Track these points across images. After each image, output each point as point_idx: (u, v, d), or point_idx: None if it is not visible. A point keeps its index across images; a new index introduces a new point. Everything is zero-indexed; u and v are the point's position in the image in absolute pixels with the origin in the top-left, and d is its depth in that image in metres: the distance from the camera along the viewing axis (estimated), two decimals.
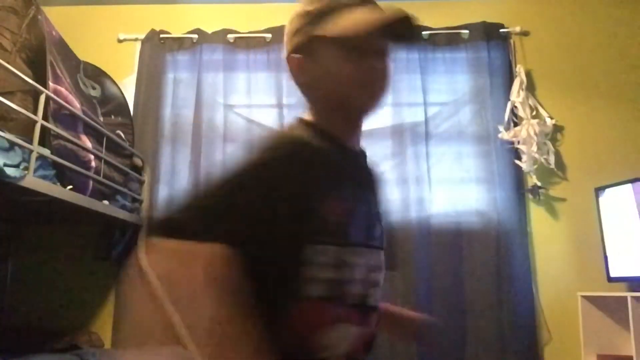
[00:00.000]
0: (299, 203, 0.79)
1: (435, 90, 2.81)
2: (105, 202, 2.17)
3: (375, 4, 0.91)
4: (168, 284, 0.72)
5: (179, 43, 2.96)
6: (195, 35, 2.94)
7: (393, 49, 0.92)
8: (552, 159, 2.63)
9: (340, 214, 0.82)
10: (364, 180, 0.94)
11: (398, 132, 2.73)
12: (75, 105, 2.01)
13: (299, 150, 0.85)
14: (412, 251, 2.55)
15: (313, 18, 0.88)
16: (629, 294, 2.10)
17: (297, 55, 0.91)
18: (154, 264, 0.73)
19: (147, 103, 2.85)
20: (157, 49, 2.94)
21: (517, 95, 2.69)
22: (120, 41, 3.01)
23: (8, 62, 1.69)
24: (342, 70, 0.86)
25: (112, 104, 2.54)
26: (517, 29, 2.86)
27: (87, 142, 2.06)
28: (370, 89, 0.88)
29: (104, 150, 2.18)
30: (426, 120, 2.75)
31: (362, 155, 0.98)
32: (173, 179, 2.76)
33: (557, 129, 2.72)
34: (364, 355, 0.86)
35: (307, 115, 0.95)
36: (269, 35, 2.91)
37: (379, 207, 0.94)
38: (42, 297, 2.67)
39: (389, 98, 2.78)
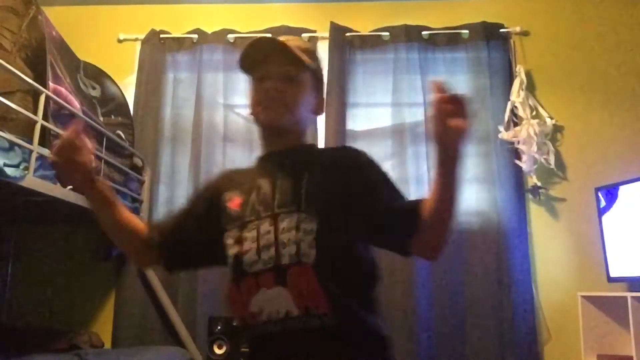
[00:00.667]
0: (213, 204, 1.12)
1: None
2: None
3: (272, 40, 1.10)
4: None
5: (179, 43, 2.96)
6: (195, 35, 2.94)
7: (280, 71, 1.08)
8: (552, 159, 2.63)
9: (234, 206, 1.08)
10: (278, 170, 1.09)
11: (398, 132, 2.73)
12: (75, 105, 2.01)
13: (220, 172, 1.25)
14: None
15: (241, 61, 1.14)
16: (629, 294, 2.10)
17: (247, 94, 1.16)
18: None
19: (147, 103, 2.85)
20: (157, 49, 2.94)
21: (517, 95, 2.69)
22: (120, 41, 3.01)
23: (8, 62, 1.69)
24: (250, 95, 1.13)
25: (112, 104, 2.54)
26: (517, 29, 2.86)
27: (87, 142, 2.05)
28: (262, 105, 1.09)
29: (104, 150, 2.18)
30: (426, 121, 2.75)
31: (293, 150, 1.12)
32: (173, 179, 2.76)
33: (557, 129, 2.72)
34: (305, 313, 0.96)
35: None
36: (269, 36, 2.90)
37: (302, 181, 1.04)
38: (42, 297, 2.67)
39: (389, 98, 2.79)
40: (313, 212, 0.99)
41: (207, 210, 1.14)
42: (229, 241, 1.05)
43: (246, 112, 1.14)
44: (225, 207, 1.09)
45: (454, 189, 1.03)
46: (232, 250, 1.04)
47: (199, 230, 1.14)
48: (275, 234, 0.99)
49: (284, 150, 1.12)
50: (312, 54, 1.15)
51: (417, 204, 1.02)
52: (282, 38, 1.11)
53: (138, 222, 1.19)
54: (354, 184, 1.05)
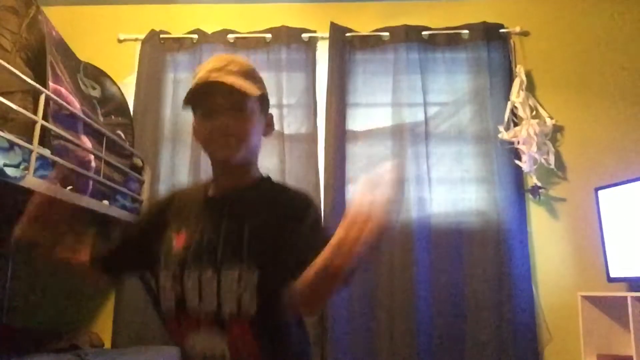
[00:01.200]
0: (150, 239, 1.13)
1: (435, 90, 2.81)
2: (105, 202, 2.17)
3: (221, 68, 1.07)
4: None
5: (179, 43, 2.96)
6: (195, 36, 2.94)
7: (226, 104, 1.05)
8: (552, 159, 2.63)
9: (178, 245, 1.08)
10: (224, 215, 1.08)
11: (398, 132, 2.73)
12: (75, 105, 2.01)
13: (170, 194, 1.24)
14: (412, 251, 2.54)
15: (187, 93, 1.09)
16: (629, 294, 2.10)
17: (193, 122, 1.14)
18: None
19: (147, 103, 2.85)
20: (157, 49, 2.94)
21: (517, 95, 2.69)
22: (120, 41, 3.01)
23: (8, 62, 1.69)
24: (199, 129, 1.10)
25: (112, 104, 2.53)
26: (517, 29, 2.86)
27: (87, 142, 2.05)
28: (216, 142, 1.07)
29: (104, 150, 2.17)
30: (426, 120, 2.75)
31: (243, 191, 1.12)
32: (173, 179, 2.76)
33: (557, 129, 2.72)
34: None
35: None
36: (269, 36, 2.91)
37: (244, 232, 1.04)
38: (42, 297, 2.67)
39: (389, 98, 2.79)
40: (254, 264, 1.00)
41: (149, 232, 1.15)
42: (167, 282, 1.06)
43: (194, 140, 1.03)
44: (169, 243, 1.09)
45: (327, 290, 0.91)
46: (169, 293, 1.05)
47: (138, 249, 1.17)
48: (217, 286, 1.00)
49: (234, 190, 1.12)
50: (255, 73, 1.12)
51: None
52: (224, 59, 1.08)
53: (81, 258, 1.18)
54: (289, 239, 1.02)
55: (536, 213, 2.67)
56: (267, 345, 1.01)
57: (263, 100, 1.13)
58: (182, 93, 2.88)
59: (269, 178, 1.18)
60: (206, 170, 2.69)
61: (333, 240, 0.80)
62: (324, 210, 2.56)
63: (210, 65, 1.07)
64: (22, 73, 1.72)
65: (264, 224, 1.05)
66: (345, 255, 0.78)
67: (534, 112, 2.69)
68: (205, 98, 1.06)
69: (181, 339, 1.05)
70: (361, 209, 0.77)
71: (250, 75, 1.10)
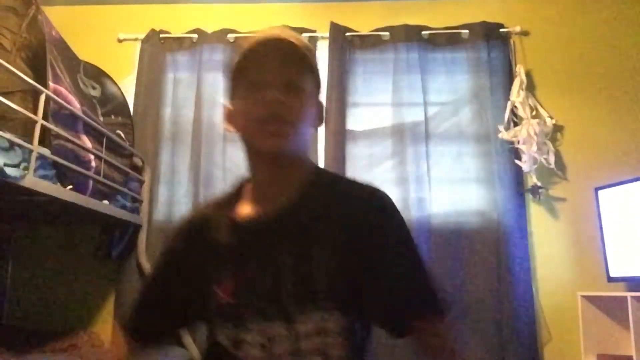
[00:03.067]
0: (182, 289, 0.88)
1: (435, 90, 2.81)
2: (105, 202, 2.17)
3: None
4: None
5: (179, 43, 2.96)
6: (195, 35, 2.94)
7: (300, 77, 0.85)
8: (552, 159, 2.63)
9: (228, 294, 0.80)
10: (276, 241, 0.82)
11: (398, 132, 2.73)
12: (75, 105, 2.01)
13: (194, 220, 0.93)
14: None
15: (230, 63, 0.87)
16: (629, 294, 2.10)
17: (226, 104, 0.91)
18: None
19: (147, 103, 2.85)
20: (157, 49, 2.94)
21: (517, 95, 2.68)
22: (120, 41, 3.01)
23: (8, 62, 1.69)
24: (243, 109, 0.84)
25: (112, 104, 2.54)
26: (517, 29, 2.85)
27: (87, 142, 2.05)
28: (267, 128, 0.81)
29: (104, 150, 2.18)
30: (426, 120, 2.75)
31: (296, 202, 0.85)
32: (173, 179, 2.76)
33: (557, 129, 2.72)
34: None
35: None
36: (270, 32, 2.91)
37: (313, 259, 0.79)
38: (42, 297, 2.67)
39: (389, 98, 2.79)
40: (336, 304, 0.77)
41: (181, 281, 0.89)
42: (222, 339, 0.81)
43: (226, 128, 0.89)
44: (211, 293, 0.82)
45: None
46: (225, 354, 0.80)
47: (169, 308, 0.92)
48: (294, 341, 0.77)
49: (284, 201, 0.85)
50: (311, 50, 0.88)
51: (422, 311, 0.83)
52: (273, 30, 0.86)
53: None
54: (374, 254, 0.82)
55: (536, 213, 2.67)
56: None
57: (317, 82, 0.90)
58: (183, 93, 2.91)
59: (322, 169, 0.96)
60: (206, 170, 2.68)
61: None
62: None
63: (261, 34, 0.85)
64: (22, 73, 1.73)
65: (335, 243, 0.80)
66: None
67: (534, 112, 2.69)
68: (255, 68, 0.82)
69: None
70: None
71: (307, 48, 0.87)
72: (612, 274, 2.36)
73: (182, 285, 0.88)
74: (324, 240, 0.80)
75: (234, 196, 0.91)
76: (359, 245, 0.81)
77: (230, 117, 0.89)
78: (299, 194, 0.85)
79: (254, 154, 0.87)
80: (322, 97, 0.93)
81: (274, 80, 0.82)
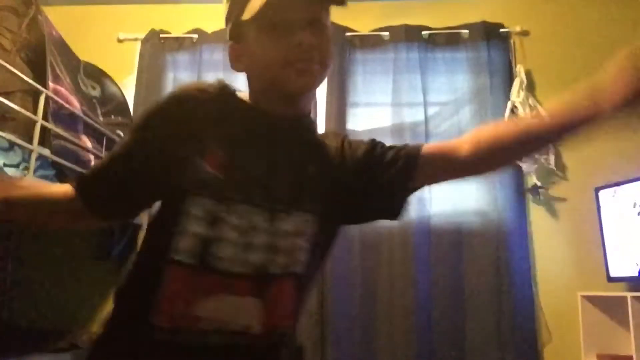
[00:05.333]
0: (175, 149, 0.80)
1: (435, 90, 2.81)
2: None
3: None
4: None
5: (179, 43, 2.96)
6: (195, 35, 2.94)
7: (323, 13, 0.86)
8: (552, 159, 2.63)
9: (216, 167, 0.78)
10: (279, 143, 0.85)
11: (398, 132, 2.73)
12: (75, 105, 2.01)
13: (188, 98, 0.84)
14: (412, 251, 2.54)
15: (238, 3, 0.83)
16: (629, 294, 2.10)
17: (232, 43, 0.88)
18: None
19: (147, 103, 2.84)
20: (157, 49, 2.94)
21: (517, 95, 2.69)
22: (120, 41, 3.01)
23: (8, 62, 1.69)
24: (265, 51, 0.81)
25: (112, 104, 2.54)
26: (517, 29, 2.85)
27: (87, 142, 2.05)
28: (295, 67, 0.80)
29: (104, 150, 2.18)
30: (426, 120, 2.75)
31: (301, 124, 0.90)
32: None
33: None
34: (268, 330, 0.78)
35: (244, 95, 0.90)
36: None
37: (307, 173, 0.85)
38: (42, 297, 2.67)
39: (389, 98, 2.79)
40: (316, 213, 0.82)
41: (163, 154, 0.81)
42: (197, 211, 0.76)
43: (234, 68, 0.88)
44: (198, 160, 0.78)
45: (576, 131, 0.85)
46: (198, 228, 0.75)
47: (146, 183, 0.84)
48: (272, 236, 0.78)
49: (289, 119, 0.87)
50: None
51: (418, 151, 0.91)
52: None
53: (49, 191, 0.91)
54: (350, 175, 0.89)
55: (536, 213, 2.67)
56: (301, 308, 0.84)
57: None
58: None
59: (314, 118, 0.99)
60: None
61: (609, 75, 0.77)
62: None
63: None
64: (22, 73, 1.72)
65: (322, 167, 0.87)
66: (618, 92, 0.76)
67: (534, 112, 2.69)
68: (277, 7, 0.79)
69: (184, 307, 0.74)
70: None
71: None
72: (612, 274, 2.36)
73: (159, 157, 0.81)
74: (315, 162, 0.87)
75: (238, 100, 0.89)
76: (340, 171, 0.88)
77: (239, 57, 0.87)
78: (305, 119, 0.90)
79: (274, 93, 0.84)
80: None
81: (299, 20, 0.81)
